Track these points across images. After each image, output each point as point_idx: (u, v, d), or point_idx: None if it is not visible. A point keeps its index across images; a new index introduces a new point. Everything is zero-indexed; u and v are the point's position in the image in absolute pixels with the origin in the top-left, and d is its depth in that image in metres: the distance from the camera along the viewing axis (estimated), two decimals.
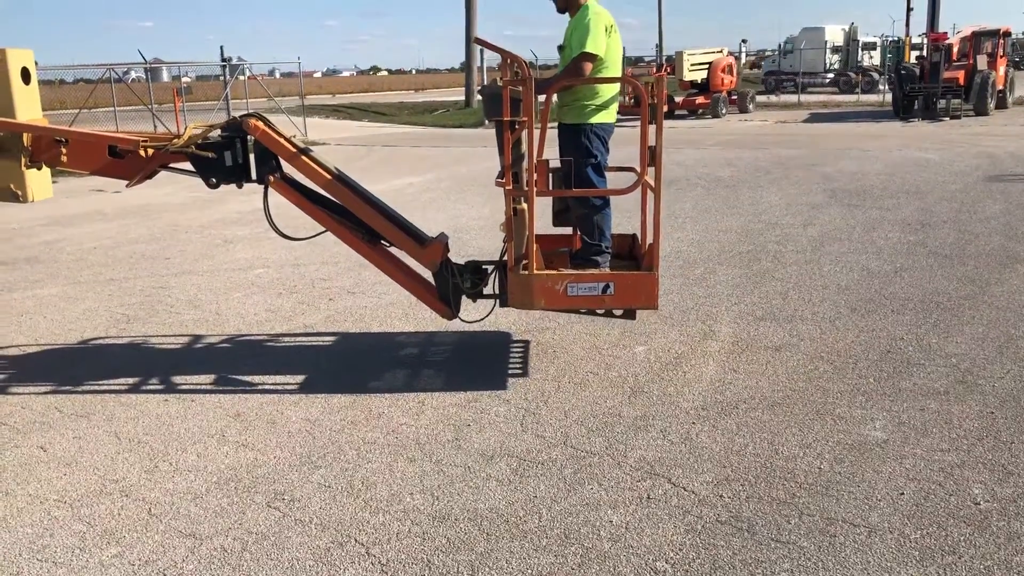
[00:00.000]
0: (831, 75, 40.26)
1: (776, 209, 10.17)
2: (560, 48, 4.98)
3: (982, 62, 23.47)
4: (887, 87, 29.87)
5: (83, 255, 8.91)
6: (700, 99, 27.01)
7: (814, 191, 11.45)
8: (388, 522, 3.44)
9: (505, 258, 4.84)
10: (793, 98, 33.05)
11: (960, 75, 23.22)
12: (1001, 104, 24.70)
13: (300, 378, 5.10)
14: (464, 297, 5.17)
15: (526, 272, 4.65)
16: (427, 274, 5.21)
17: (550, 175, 4.74)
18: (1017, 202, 9.96)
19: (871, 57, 41.48)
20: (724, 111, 27.14)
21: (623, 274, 4.81)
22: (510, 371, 5.07)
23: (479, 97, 30.13)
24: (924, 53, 26.88)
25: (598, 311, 4.94)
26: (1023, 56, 55.79)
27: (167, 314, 6.57)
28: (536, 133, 4.47)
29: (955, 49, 24.62)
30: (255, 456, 4.07)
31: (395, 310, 6.43)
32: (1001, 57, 24.55)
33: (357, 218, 5.02)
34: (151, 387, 5.03)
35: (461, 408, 4.54)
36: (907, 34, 41.30)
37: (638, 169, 4.75)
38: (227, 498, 3.68)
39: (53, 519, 3.55)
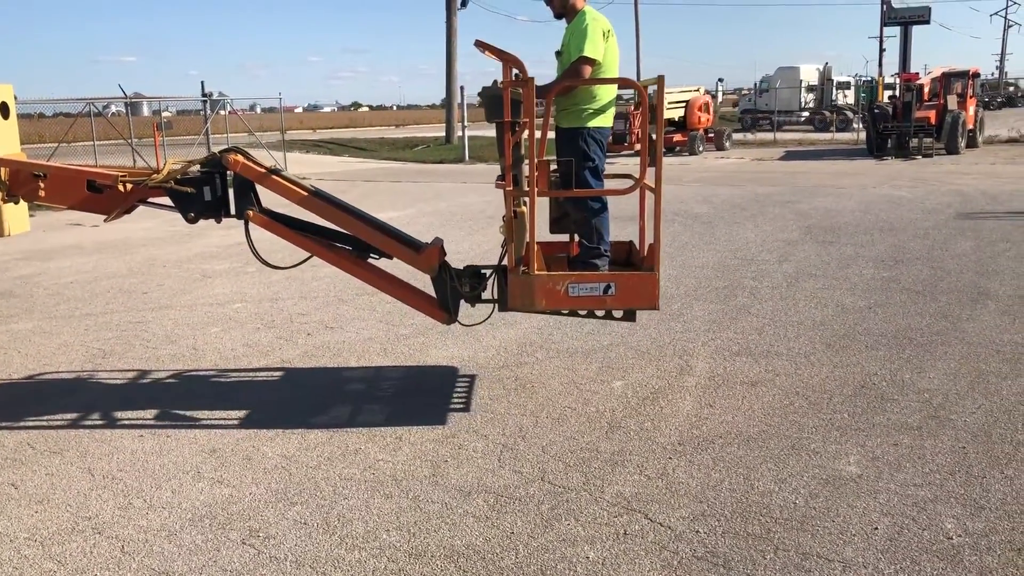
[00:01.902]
0: (806, 113, 40.92)
1: (752, 245, 10.29)
2: (558, 53, 5.00)
3: (952, 102, 23.99)
4: (861, 126, 30.39)
5: (59, 289, 8.84)
6: (677, 137, 27.36)
7: (789, 228, 11.60)
8: (364, 559, 3.42)
9: (504, 262, 4.83)
10: (769, 136, 33.54)
11: (931, 114, 23.70)
12: (972, 143, 25.20)
13: (277, 414, 5.08)
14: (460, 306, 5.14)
15: (527, 273, 4.65)
16: (418, 283, 5.17)
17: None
18: (988, 239, 10.14)
19: (845, 96, 42.24)
20: (701, 148, 27.51)
21: (624, 274, 4.81)
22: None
23: (459, 134, 30.31)
24: (897, 93, 27.44)
25: (598, 313, 4.91)
26: (992, 97, 57.06)
27: (144, 349, 6.53)
28: (536, 135, 4.49)
29: (926, 89, 25.17)
30: (230, 492, 4.04)
31: (373, 345, 6.43)
32: (971, 97, 25.11)
33: (342, 238, 5.02)
34: (126, 423, 4.99)
35: (439, 444, 4.54)
36: (880, 74, 42.18)
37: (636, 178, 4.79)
38: (201, 535, 3.64)
39: (23, 558, 3.50)
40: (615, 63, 4.99)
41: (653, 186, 4.55)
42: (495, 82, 4.63)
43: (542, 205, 4.62)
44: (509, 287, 4.71)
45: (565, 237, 5.40)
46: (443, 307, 5.09)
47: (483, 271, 5.11)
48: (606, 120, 4.96)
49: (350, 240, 5.07)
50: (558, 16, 5.04)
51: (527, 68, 4.63)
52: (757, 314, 7.03)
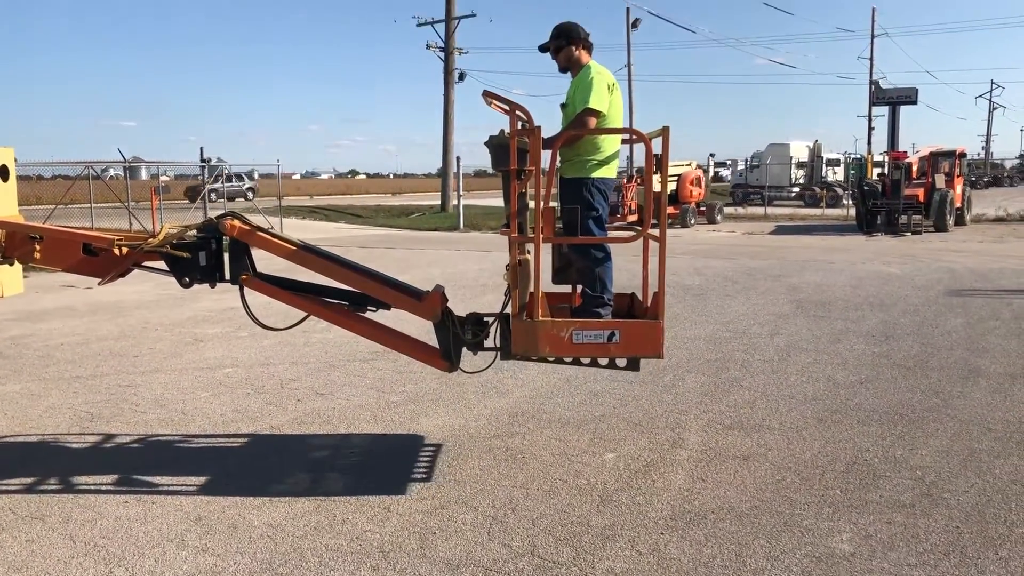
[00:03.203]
0: (796, 189, 41.55)
1: (743, 318, 10.33)
2: (562, 106, 5.10)
3: (940, 180, 24.43)
4: (851, 202, 30.85)
5: (50, 351, 8.80)
6: (670, 209, 27.61)
7: (780, 301, 11.66)
8: None
9: (508, 310, 4.83)
10: (760, 210, 34.00)
11: (920, 192, 24.11)
12: (959, 221, 25.57)
13: (264, 481, 5.01)
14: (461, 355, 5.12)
15: (531, 319, 4.63)
16: (416, 332, 5.14)
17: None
18: (977, 316, 10.20)
19: (835, 173, 42.99)
20: (693, 221, 27.82)
21: (629, 322, 4.80)
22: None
23: (454, 203, 30.63)
24: (885, 170, 27.93)
25: (601, 361, 4.88)
26: (979, 176, 58.20)
27: (132, 413, 6.47)
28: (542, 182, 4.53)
29: (915, 168, 25.63)
30: (215, 562, 3.97)
31: (363, 412, 6.38)
32: (958, 176, 25.58)
33: (338, 295, 5.03)
34: (111, 488, 4.92)
35: (427, 515, 4.48)
36: (869, 152, 43.01)
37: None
38: None
39: None
40: (619, 116, 5.09)
41: (657, 235, 4.58)
42: (501, 131, 4.71)
43: (546, 253, 4.64)
44: (512, 333, 4.69)
45: (568, 288, 5.42)
46: (445, 356, 5.08)
47: (486, 318, 5.11)
48: (610, 171, 5.04)
49: (346, 296, 5.09)
50: (563, 70, 5.18)
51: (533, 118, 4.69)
52: (749, 387, 7.02)
